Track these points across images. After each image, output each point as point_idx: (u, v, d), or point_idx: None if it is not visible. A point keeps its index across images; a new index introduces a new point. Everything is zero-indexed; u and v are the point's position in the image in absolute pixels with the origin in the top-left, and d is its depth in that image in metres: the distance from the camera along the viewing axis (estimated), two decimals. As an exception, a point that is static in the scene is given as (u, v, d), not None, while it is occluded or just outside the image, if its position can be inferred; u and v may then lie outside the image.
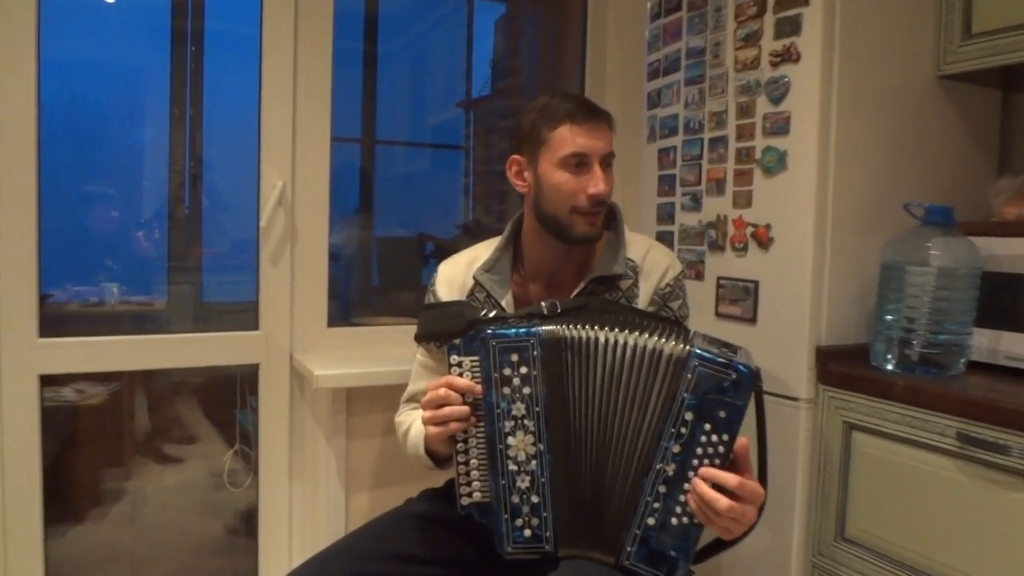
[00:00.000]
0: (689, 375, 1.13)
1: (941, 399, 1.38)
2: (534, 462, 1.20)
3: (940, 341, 1.49)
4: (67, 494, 2.03)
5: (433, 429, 1.24)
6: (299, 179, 1.99)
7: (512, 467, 1.20)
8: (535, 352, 1.19)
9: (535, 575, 1.35)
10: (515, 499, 1.21)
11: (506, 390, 1.19)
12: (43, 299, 1.79)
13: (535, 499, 1.20)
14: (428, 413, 1.23)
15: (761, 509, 1.19)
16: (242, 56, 2.00)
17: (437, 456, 1.39)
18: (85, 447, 2.11)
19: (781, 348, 1.68)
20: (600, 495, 1.21)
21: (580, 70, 2.39)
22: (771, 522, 1.69)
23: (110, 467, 2.11)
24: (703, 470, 1.12)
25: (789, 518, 1.66)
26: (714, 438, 1.12)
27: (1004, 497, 1.28)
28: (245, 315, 2.02)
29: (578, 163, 1.35)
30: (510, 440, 1.20)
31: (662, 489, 1.15)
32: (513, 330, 1.20)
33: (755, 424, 1.21)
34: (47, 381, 1.81)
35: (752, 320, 1.75)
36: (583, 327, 1.21)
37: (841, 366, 1.60)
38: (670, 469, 1.14)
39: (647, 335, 1.19)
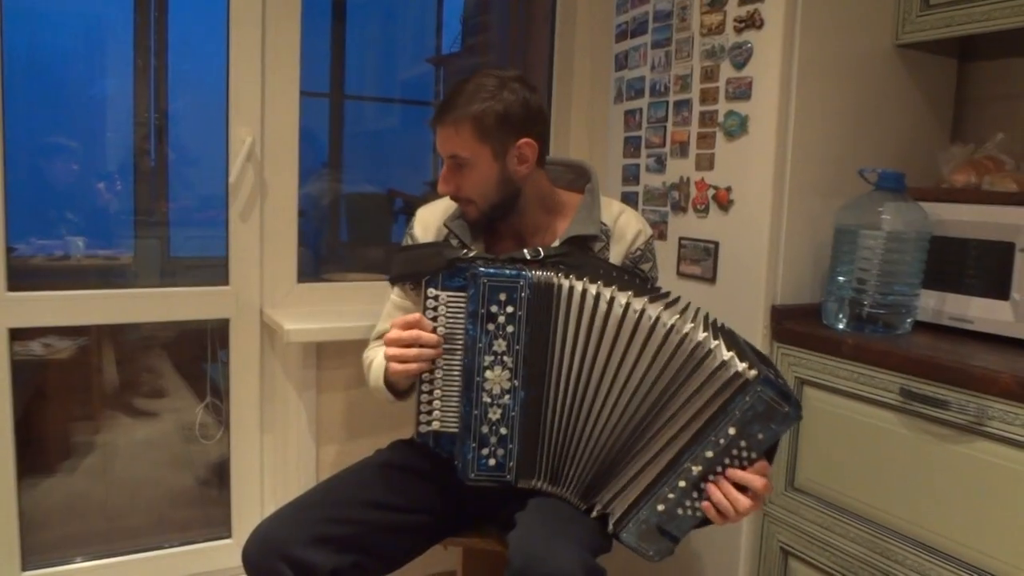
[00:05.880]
0: (748, 397, 1.15)
1: (886, 356, 1.44)
2: (507, 396, 1.26)
3: (888, 302, 1.55)
4: (37, 447, 2.04)
5: (396, 366, 1.28)
6: (268, 134, 1.98)
7: (486, 399, 1.26)
8: (523, 294, 1.24)
9: (501, 520, 1.41)
10: (484, 429, 1.26)
11: (490, 326, 1.25)
12: (7, 252, 1.77)
13: (503, 431, 1.26)
14: (393, 351, 1.27)
15: None
16: (207, 7, 1.97)
17: (396, 389, 1.45)
18: (54, 401, 2.11)
19: (738, 307, 1.74)
20: (574, 440, 1.27)
21: (550, 29, 2.39)
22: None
23: (80, 420, 2.12)
24: (731, 471, 1.17)
25: (743, 468, 1.73)
26: (744, 453, 1.17)
27: (943, 449, 1.35)
28: (212, 270, 2.02)
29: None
30: (487, 373, 1.26)
31: (681, 484, 1.20)
32: (506, 271, 1.25)
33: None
34: (15, 335, 1.82)
35: (712, 280, 1.81)
36: (570, 278, 1.26)
37: (795, 324, 1.66)
38: (695, 469, 1.19)
39: (678, 314, 1.22)
